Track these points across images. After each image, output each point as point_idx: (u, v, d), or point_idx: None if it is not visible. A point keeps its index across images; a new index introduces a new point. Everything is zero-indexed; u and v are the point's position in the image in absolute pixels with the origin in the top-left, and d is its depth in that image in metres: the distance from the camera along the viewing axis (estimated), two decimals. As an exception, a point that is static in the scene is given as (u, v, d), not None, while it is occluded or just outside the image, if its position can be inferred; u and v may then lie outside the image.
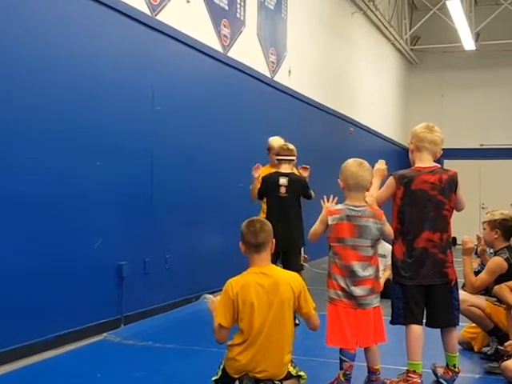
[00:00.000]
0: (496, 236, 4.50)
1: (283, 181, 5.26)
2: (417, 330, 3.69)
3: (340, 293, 3.53)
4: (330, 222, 3.60)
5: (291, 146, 5.47)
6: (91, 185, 5.00)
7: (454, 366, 3.80)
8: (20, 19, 4.35)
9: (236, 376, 3.37)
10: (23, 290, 4.29)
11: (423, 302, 3.74)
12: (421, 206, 3.72)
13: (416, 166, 3.82)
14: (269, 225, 3.64)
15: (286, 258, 5.21)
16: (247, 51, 7.76)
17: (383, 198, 3.80)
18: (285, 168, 5.37)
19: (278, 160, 5.43)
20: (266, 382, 3.35)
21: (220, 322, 3.40)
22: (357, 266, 3.54)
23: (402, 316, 3.71)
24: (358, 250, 3.56)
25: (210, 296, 6.33)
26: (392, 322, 3.80)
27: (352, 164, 3.68)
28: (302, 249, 5.52)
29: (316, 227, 3.73)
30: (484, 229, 4.59)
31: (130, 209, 5.50)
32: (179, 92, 6.25)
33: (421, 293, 3.72)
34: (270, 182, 5.35)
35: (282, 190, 5.23)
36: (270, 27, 8.50)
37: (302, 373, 3.56)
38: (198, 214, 6.54)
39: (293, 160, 5.41)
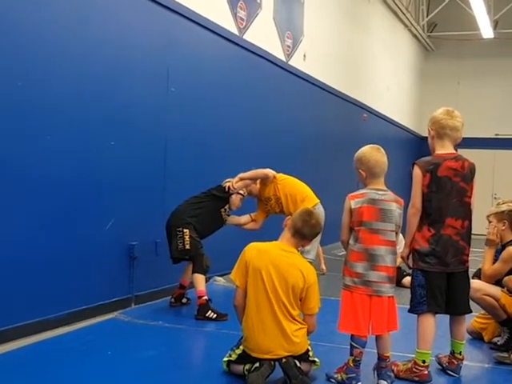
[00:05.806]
0: (504, 228, 4.45)
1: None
2: (433, 319, 3.66)
3: (356, 280, 3.49)
4: (353, 206, 3.53)
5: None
6: (105, 164, 5.01)
7: (460, 353, 3.79)
8: (54, 13, 4.43)
9: (261, 356, 3.44)
10: (37, 268, 4.32)
11: (445, 291, 3.68)
12: (446, 192, 3.66)
13: (438, 152, 3.75)
14: (321, 227, 3.75)
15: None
16: (263, 34, 7.70)
17: (418, 197, 3.66)
18: None
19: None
20: (288, 360, 3.40)
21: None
22: (378, 251, 3.49)
23: (425, 304, 3.63)
24: (381, 234, 3.50)
25: (220, 278, 6.41)
26: (413, 311, 3.70)
27: (372, 152, 3.61)
28: None
29: (343, 219, 3.60)
30: (490, 222, 4.52)
31: (142, 190, 5.50)
32: (194, 74, 6.21)
33: (444, 281, 3.67)
34: None
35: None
36: (286, 11, 8.43)
37: (316, 359, 3.60)
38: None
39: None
